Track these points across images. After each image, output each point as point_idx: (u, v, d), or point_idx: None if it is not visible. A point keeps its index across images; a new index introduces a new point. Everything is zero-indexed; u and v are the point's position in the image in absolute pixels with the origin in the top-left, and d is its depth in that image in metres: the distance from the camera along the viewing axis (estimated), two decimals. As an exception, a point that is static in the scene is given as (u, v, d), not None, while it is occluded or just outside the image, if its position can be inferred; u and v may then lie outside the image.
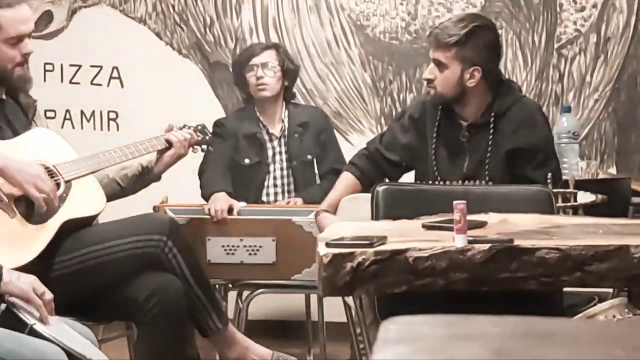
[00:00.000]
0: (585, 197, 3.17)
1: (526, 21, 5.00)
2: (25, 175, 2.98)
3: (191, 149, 3.64)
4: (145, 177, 3.53)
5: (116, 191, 3.46)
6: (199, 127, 3.69)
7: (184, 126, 3.63)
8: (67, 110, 5.04)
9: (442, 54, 3.38)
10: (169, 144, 3.54)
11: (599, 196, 3.20)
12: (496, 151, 3.40)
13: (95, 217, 3.24)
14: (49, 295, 2.61)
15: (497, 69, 3.49)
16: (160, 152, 3.54)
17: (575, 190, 3.19)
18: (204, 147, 3.74)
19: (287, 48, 4.61)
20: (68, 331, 2.63)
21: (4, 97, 3.23)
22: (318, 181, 4.26)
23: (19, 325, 2.51)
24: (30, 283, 2.59)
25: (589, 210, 3.16)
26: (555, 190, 3.16)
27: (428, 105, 3.51)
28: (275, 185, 4.23)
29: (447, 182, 3.33)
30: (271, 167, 4.23)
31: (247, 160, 4.19)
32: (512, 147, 3.38)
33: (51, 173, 3.11)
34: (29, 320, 2.52)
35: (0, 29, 3.11)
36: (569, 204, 3.15)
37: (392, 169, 3.55)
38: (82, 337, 2.67)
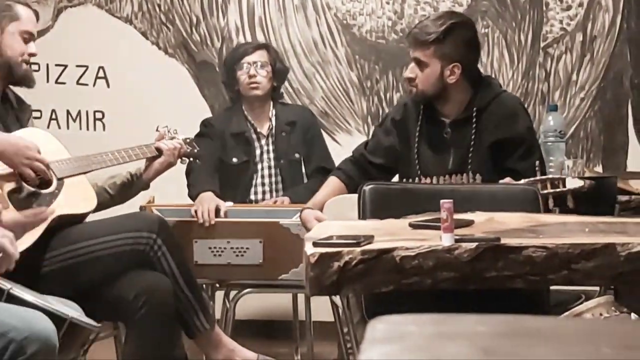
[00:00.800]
0: (573, 183, 3.18)
1: (512, 20, 5.01)
2: (21, 158, 3.00)
3: (180, 160, 3.67)
4: (134, 185, 3.55)
5: (105, 199, 3.48)
6: (188, 140, 3.74)
7: (174, 137, 3.66)
8: (53, 110, 5.03)
9: (422, 53, 3.40)
10: (159, 152, 3.56)
11: (587, 182, 3.21)
12: (479, 145, 3.42)
13: (85, 215, 3.25)
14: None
15: (476, 65, 3.52)
16: (150, 160, 3.57)
17: (564, 177, 3.20)
18: (192, 159, 3.78)
19: (274, 47, 4.61)
20: (46, 296, 2.62)
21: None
22: (305, 180, 4.26)
23: None
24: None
25: (578, 201, 3.17)
26: (544, 177, 3.18)
27: (409, 106, 3.54)
28: (263, 184, 4.23)
29: (434, 178, 3.35)
30: (259, 166, 4.23)
31: (234, 159, 4.18)
32: (494, 139, 3.41)
33: None
34: (5, 285, 2.51)
35: (20, 20, 3.29)
36: (557, 189, 3.16)
37: (377, 172, 3.56)
38: (62, 302, 2.66)
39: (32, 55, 3.32)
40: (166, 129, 3.67)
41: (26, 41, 3.30)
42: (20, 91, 3.42)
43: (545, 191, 3.13)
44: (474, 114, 3.44)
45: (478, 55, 3.56)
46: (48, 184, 3.15)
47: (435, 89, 3.42)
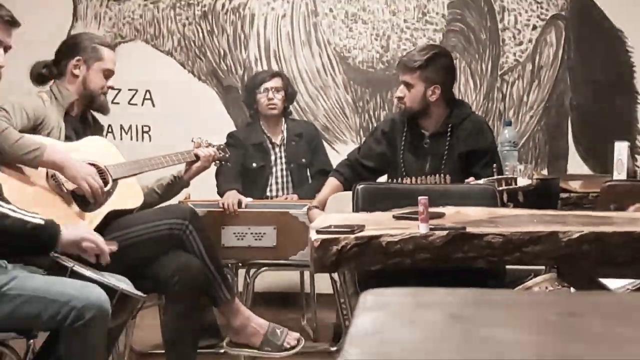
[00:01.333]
0: (522, 182, 3.19)
1: (475, 53, 5.00)
2: (80, 173, 2.99)
3: (214, 163, 3.66)
4: (177, 184, 3.55)
5: (155, 199, 3.48)
6: (221, 147, 3.72)
7: (209, 145, 3.65)
8: (110, 125, 5.02)
9: (409, 76, 3.40)
10: (197, 158, 3.56)
11: (534, 181, 3.22)
12: (452, 154, 3.42)
13: (134, 210, 3.24)
14: (102, 243, 2.60)
15: (452, 88, 3.52)
16: (189, 164, 3.56)
17: (515, 176, 3.21)
18: (223, 162, 3.76)
19: (285, 74, 4.61)
20: (103, 272, 2.62)
21: (80, 114, 3.32)
22: (310, 180, 4.26)
23: (62, 271, 2.50)
24: (79, 235, 2.57)
25: (527, 196, 3.16)
26: (499, 177, 3.19)
27: (396, 120, 3.54)
28: (276, 184, 4.22)
29: (414, 179, 3.35)
30: (273, 169, 4.22)
31: (254, 164, 4.18)
32: (465, 150, 3.41)
33: (102, 172, 3.13)
34: (68, 263, 2.51)
35: (103, 60, 3.30)
36: (510, 187, 3.16)
37: (368, 173, 3.56)
38: (116, 277, 2.66)
39: (110, 88, 3.34)
40: (200, 140, 3.66)
41: (107, 77, 3.31)
42: None
43: (501, 188, 3.13)
44: (449, 129, 3.43)
45: (454, 79, 3.56)
46: (105, 184, 3.14)
47: (420, 106, 3.42)
